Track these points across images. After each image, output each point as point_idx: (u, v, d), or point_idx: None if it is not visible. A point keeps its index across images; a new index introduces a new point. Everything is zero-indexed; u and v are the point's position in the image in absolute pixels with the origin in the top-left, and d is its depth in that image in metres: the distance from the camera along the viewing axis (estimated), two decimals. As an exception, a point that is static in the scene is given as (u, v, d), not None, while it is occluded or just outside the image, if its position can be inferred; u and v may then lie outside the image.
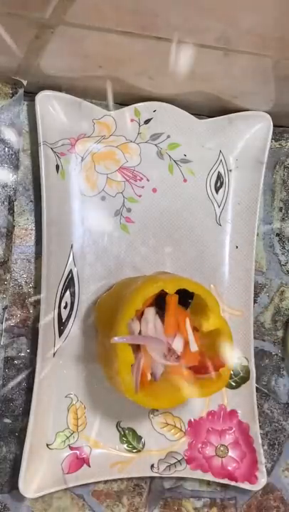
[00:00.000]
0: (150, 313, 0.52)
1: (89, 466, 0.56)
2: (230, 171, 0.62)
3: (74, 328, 0.57)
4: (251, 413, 0.60)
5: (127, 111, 0.58)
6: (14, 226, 0.56)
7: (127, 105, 0.59)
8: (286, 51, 0.48)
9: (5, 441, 0.56)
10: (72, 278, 0.57)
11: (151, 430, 0.59)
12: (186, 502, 0.61)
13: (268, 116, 0.61)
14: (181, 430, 0.60)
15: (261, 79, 0.54)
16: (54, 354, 0.55)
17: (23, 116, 0.57)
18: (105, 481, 0.59)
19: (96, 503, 0.58)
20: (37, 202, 0.57)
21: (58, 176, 0.56)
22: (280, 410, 0.64)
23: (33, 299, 0.57)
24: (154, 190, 0.60)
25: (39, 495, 0.54)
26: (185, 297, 0.53)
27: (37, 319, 0.55)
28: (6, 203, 0.55)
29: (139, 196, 0.59)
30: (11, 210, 0.56)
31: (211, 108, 0.61)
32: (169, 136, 0.60)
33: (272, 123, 0.61)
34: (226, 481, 0.59)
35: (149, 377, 0.52)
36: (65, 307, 0.56)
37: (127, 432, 0.58)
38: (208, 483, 0.61)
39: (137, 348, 0.52)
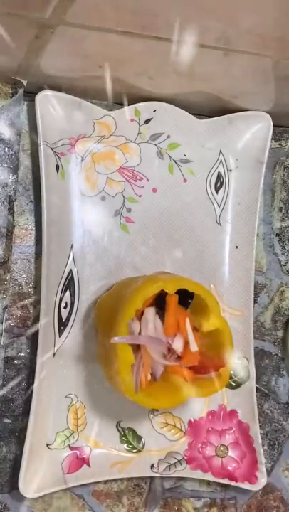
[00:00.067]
0: (150, 313, 0.52)
1: (89, 466, 0.56)
2: (230, 171, 0.62)
3: (74, 328, 0.56)
4: (251, 413, 0.60)
5: (127, 111, 0.58)
6: (14, 226, 0.56)
7: (127, 105, 0.58)
8: (286, 51, 0.48)
9: (5, 441, 0.56)
10: (72, 278, 0.57)
11: (151, 430, 0.59)
12: (186, 502, 0.61)
13: (268, 116, 0.61)
14: (181, 430, 0.60)
15: (261, 79, 0.54)
16: (54, 354, 0.55)
17: (23, 116, 0.57)
18: (105, 481, 0.59)
19: (96, 503, 0.58)
20: (37, 202, 0.57)
21: (58, 176, 0.56)
22: (280, 410, 0.64)
23: (33, 298, 0.57)
24: (154, 190, 0.60)
25: (39, 495, 0.54)
26: (185, 297, 0.53)
27: (37, 319, 0.55)
28: (6, 203, 0.55)
29: (139, 196, 0.59)
30: (11, 210, 0.56)
31: (211, 108, 0.61)
32: (169, 136, 0.60)
33: (272, 123, 0.61)
34: (226, 481, 0.59)
35: (149, 377, 0.52)
36: (65, 307, 0.56)
37: (127, 431, 0.58)
38: (208, 483, 0.61)
39: (137, 348, 0.52)
